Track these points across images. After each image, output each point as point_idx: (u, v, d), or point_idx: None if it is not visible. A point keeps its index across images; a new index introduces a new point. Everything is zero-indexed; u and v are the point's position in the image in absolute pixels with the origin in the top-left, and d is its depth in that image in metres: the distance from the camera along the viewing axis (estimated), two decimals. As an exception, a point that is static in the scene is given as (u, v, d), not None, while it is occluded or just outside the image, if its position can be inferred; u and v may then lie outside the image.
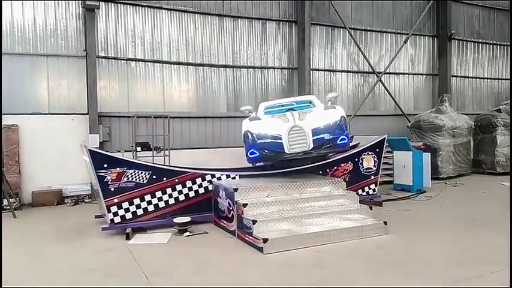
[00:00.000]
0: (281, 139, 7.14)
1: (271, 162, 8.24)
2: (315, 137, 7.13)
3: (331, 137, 7.17)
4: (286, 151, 7.14)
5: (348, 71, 14.36)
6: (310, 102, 8.22)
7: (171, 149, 10.68)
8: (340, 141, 7.22)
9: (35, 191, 9.88)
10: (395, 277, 4.77)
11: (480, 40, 17.02)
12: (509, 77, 17.56)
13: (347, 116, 13.57)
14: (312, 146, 7.11)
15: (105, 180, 6.80)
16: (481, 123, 14.11)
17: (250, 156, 7.33)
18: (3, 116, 9.68)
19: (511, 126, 13.56)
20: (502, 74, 17.68)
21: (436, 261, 5.28)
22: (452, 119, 13.06)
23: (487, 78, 17.42)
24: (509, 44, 17.44)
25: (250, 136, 7.35)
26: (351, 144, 9.84)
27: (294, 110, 7.86)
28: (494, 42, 17.34)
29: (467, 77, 16.91)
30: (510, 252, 5.30)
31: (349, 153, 9.24)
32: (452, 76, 16.16)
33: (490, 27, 17.27)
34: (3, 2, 9.90)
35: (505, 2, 17.29)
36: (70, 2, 10.58)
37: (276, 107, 8.29)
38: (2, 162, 9.11)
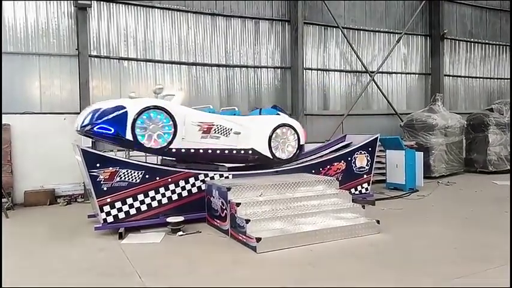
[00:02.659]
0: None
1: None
2: (85, 118, 6.87)
3: (93, 123, 6.67)
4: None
5: (341, 70, 14.42)
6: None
7: (164, 148, 10.64)
8: (98, 128, 6.65)
9: (27, 191, 9.82)
10: (388, 275, 4.80)
11: (472, 39, 17.16)
12: (502, 77, 17.77)
13: (340, 115, 13.84)
14: (79, 127, 6.92)
15: (97, 179, 6.75)
16: (473, 122, 14.22)
17: None
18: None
19: (511, 125, 13.64)
20: (494, 73, 17.84)
21: (428, 260, 5.32)
22: (444, 118, 13.15)
23: (480, 78, 17.57)
24: (501, 43, 17.64)
25: None
26: (343, 143, 9.90)
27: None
28: (487, 41, 17.49)
29: (460, 76, 17.04)
30: (510, 252, 5.34)
31: (342, 152, 9.28)
32: (445, 75, 16.28)
33: (482, 26, 17.41)
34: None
35: (497, 2, 17.48)
36: (62, 0, 10.51)
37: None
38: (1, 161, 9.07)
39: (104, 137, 6.85)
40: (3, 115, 9.74)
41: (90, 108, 7.24)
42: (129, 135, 6.74)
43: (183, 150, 7.33)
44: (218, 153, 7.75)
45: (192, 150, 7.45)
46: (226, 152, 7.80)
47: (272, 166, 8.39)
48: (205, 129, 7.50)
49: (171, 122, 7.07)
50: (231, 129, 7.77)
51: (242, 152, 7.95)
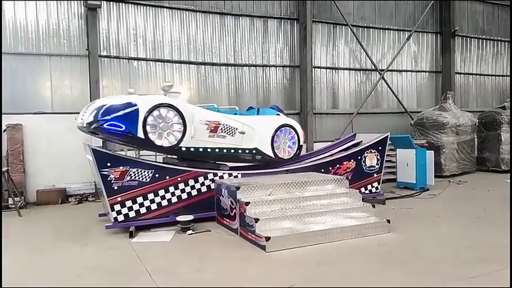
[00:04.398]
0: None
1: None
2: (90, 114, 6.65)
3: (102, 119, 6.50)
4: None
5: (350, 69, 14.33)
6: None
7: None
8: (108, 125, 6.49)
9: (39, 190, 9.93)
10: (399, 275, 4.76)
11: (484, 36, 16.94)
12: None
13: (350, 113, 13.78)
14: (85, 123, 6.71)
15: (108, 178, 6.81)
16: (485, 121, 14.04)
17: None
18: (7, 115, 9.77)
19: (511, 124, 13.46)
20: (506, 70, 17.58)
21: (439, 260, 5.27)
22: (455, 117, 13.01)
23: (491, 75, 17.34)
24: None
25: None
26: (353, 142, 9.86)
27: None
28: (499, 38, 17.24)
29: (471, 74, 16.83)
30: (510, 252, 5.28)
31: (352, 151, 9.24)
32: (456, 73, 16.09)
33: (494, 23, 17.17)
34: (5, 1, 9.95)
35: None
36: (72, 1, 10.61)
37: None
38: (1, 162, 9.19)
39: (113, 134, 6.66)
40: (15, 115, 9.90)
41: (94, 105, 6.96)
42: (140, 133, 6.67)
43: (192, 149, 7.35)
44: (225, 153, 7.78)
45: (201, 149, 7.48)
46: (232, 151, 7.85)
47: (275, 166, 8.44)
48: (212, 128, 7.52)
49: (180, 120, 7.05)
50: (236, 129, 7.82)
51: (246, 151, 8.02)
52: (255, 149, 8.07)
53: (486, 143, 13.99)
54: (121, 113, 6.55)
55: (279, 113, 8.84)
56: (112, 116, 6.52)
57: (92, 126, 6.66)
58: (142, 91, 11.40)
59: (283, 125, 8.32)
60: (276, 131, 8.19)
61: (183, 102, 7.34)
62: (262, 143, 8.10)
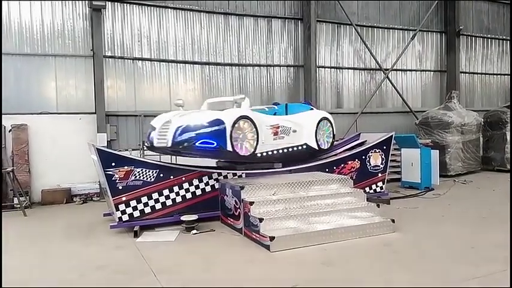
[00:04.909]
0: (152, 132, 7.28)
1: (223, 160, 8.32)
2: (176, 135, 6.79)
3: (192, 138, 6.73)
4: (154, 144, 7.15)
5: (354, 68, 14.30)
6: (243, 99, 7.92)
7: (178, 147, 10.72)
8: (201, 143, 6.76)
9: (44, 190, 9.99)
10: (404, 275, 4.75)
11: (489, 35, 16.86)
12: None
13: (354, 113, 13.75)
14: (170, 143, 6.82)
15: (113, 178, 6.84)
16: (491, 120, 13.96)
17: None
18: (12, 115, 9.83)
19: (511, 124, 13.38)
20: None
21: (444, 259, 5.25)
22: (460, 116, 12.94)
23: (497, 74, 17.25)
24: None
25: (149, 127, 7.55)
26: (358, 141, 9.84)
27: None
28: (504, 37, 17.13)
29: (476, 73, 16.74)
30: (510, 252, 5.24)
31: (357, 151, 9.22)
32: (461, 72, 16.02)
33: (500, 22, 17.08)
34: (9, 2, 10.01)
35: (514, -3, 17.11)
36: (77, 2, 10.66)
37: (218, 104, 8.46)
38: (1, 162, 9.25)
39: (204, 151, 6.91)
40: (20, 115, 9.97)
41: (170, 125, 6.95)
42: (229, 147, 6.91)
43: (264, 154, 7.67)
44: (285, 152, 8.14)
45: (270, 153, 7.79)
46: (290, 149, 8.23)
47: (318, 157, 8.91)
48: (275, 132, 7.89)
49: (254, 129, 7.30)
50: (290, 128, 8.18)
51: (299, 147, 8.44)
52: (305, 144, 8.51)
53: (491, 143, 13.91)
54: (211, 130, 6.80)
55: (312, 107, 9.39)
56: (203, 134, 6.75)
57: (182, 146, 6.81)
58: (147, 91, 11.49)
59: (322, 119, 8.82)
60: (317, 124, 8.67)
61: (251, 111, 7.64)
62: (309, 138, 8.55)
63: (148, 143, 7.32)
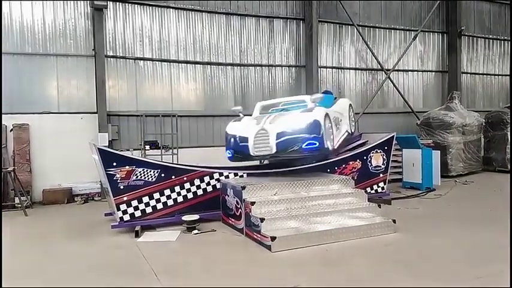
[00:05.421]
0: (247, 142, 7.26)
1: (265, 161, 8.60)
2: (279, 141, 6.99)
3: (297, 141, 6.95)
4: (251, 153, 7.23)
5: (356, 69, 14.30)
6: (303, 102, 8.18)
7: (179, 147, 10.75)
8: (307, 145, 6.95)
9: (45, 189, 10.00)
10: (405, 276, 4.74)
11: (491, 36, 16.84)
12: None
13: (356, 113, 13.73)
14: (274, 150, 7.02)
15: (114, 178, 6.84)
16: (492, 121, 13.95)
17: (227, 156, 7.64)
18: (14, 115, 9.85)
19: (511, 124, 13.36)
20: (512, 70, 17.46)
21: (445, 260, 5.24)
22: (462, 116, 12.93)
23: (498, 75, 17.24)
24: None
25: (226, 137, 7.69)
26: (359, 142, 9.84)
27: (287, 110, 7.97)
28: (505, 38, 17.11)
29: (478, 74, 16.73)
30: (510, 252, 5.24)
31: (358, 151, 9.21)
32: (462, 73, 16.01)
33: (501, 22, 17.06)
34: (10, 1, 10.02)
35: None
36: (79, 1, 10.67)
37: (271, 107, 8.50)
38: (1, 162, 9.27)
39: (310, 151, 7.11)
40: (22, 115, 9.98)
41: (268, 132, 7.13)
42: (326, 144, 7.17)
43: (335, 147, 8.01)
44: (341, 143, 8.55)
45: (336, 146, 8.04)
46: (343, 139, 8.70)
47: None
48: (336, 123, 8.25)
49: (330, 124, 7.58)
50: (339, 118, 8.58)
51: (345, 135, 8.90)
52: (346, 131, 9.01)
53: (493, 143, 13.90)
54: (311, 131, 7.03)
55: (335, 96, 9.83)
56: (305, 137, 7.00)
57: (290, 151, 7.04)
58: (148, 91, 11.50)
59: (350, 105, 9.53)
60: (348, 111, 9.31)
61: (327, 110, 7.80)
62: (347, 125, 9.09)
63: (240, 153, 7.38)
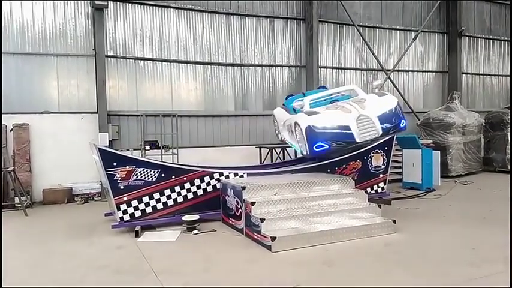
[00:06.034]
0: (350, 129, 7.43)
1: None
2: (383, 124, 7.55)
3: (395, 122, 7.68)
4: (357, 140, 7.50)
5: (356, 69, 14.30)
6: (352, 90, 8.73)
7: (179, 147, 10.75)
8: (402, 124, 7.86)
9: (45, 189, 10.00)
10: (405, 276, 4.74)
11: (491, 36, 16.83)
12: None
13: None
14: (380, 132, 7.57)
15: (114, 178, 6.84)
16: (492, 121, 13.95)
17: (317, 149, 7.43)
18: (14, 115, 9.85)
19: (511, 124, 13.36)
20: (512, 70, 17.45)
21: (445, 260, 5.24)
22: (462, 117, 12.93)
23: (498, 75, 17.22)
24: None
25: (315, 130, 7.39)
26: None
27: (339, 101, 8.26)
28: (506, 38, 17.10)
29: (478, 74, 16.72)
30: (510, 252, 5.24)
31: (358, 151, 9.20)
32: (463, 73, 16.01)
33: (501, 23, 17.05)
34: (10, 1, 10.02)
35: (517, -2, 17.08)
36: (79, 1, 10.67)
37: (320, 99, 8.69)
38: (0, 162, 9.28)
39: (403, 130, 8.14)
40: (22, 114, 9.98)
41: (368, 118, 7.52)
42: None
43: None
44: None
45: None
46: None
47: None
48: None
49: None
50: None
51: None
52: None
53: (493, 143, 13.90)
54: (400, 112, 7.93)
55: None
56: (402, 116, 7.90)
57: (392, 131, 7.89)
58: (149, 91, 11.50)
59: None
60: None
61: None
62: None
63: (341, 142, 7.50)
